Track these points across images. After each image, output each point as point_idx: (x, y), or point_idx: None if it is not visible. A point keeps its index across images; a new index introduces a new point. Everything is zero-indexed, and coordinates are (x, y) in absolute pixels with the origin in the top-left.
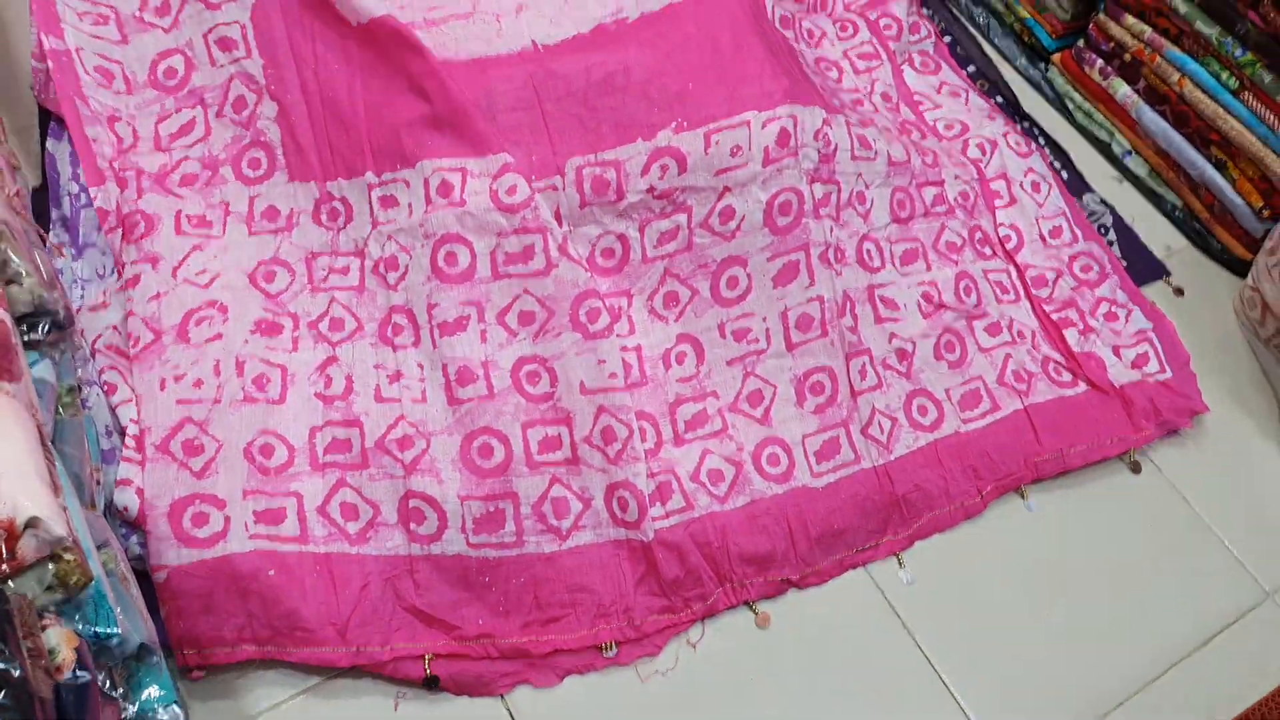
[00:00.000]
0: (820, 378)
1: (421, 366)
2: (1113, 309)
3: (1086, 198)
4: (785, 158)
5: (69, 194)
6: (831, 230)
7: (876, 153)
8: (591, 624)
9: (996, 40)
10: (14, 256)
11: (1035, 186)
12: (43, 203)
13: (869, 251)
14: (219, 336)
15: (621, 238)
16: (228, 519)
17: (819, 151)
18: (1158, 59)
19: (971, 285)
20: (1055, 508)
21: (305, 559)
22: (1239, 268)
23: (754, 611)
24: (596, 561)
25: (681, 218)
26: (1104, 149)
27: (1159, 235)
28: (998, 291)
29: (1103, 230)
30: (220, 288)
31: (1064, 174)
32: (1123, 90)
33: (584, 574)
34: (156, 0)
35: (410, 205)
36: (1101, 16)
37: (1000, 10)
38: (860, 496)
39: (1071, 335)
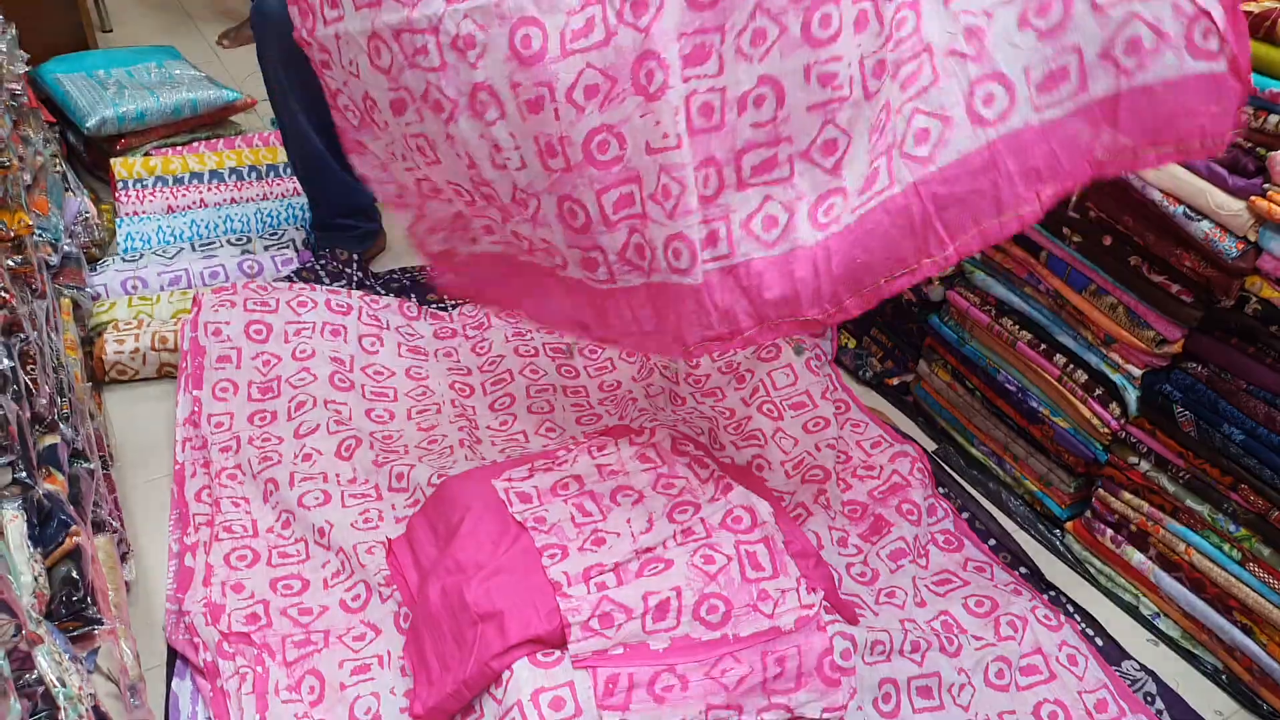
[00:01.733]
0: (882, 116)
1: (514, 136)
2: None
3: (1126, 665)
4: None
5: None
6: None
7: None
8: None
9: (1011, 510)
10: None
11: (1072, 660)
12: None
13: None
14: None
15: None
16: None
17: None
18: (1161, 530)
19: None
20: None
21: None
22: None
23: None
24: (660, 296)
25: None
26: (1132, 611)
27: (1206, 699)
28: None
29: (1148, 699)
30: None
31: (1098, 641)
32: (1137, 557)
33: (655, 305)
34: None
35: None
36: (1101, 491)
37: (1010, 483)
38: (884, 225)
39: None
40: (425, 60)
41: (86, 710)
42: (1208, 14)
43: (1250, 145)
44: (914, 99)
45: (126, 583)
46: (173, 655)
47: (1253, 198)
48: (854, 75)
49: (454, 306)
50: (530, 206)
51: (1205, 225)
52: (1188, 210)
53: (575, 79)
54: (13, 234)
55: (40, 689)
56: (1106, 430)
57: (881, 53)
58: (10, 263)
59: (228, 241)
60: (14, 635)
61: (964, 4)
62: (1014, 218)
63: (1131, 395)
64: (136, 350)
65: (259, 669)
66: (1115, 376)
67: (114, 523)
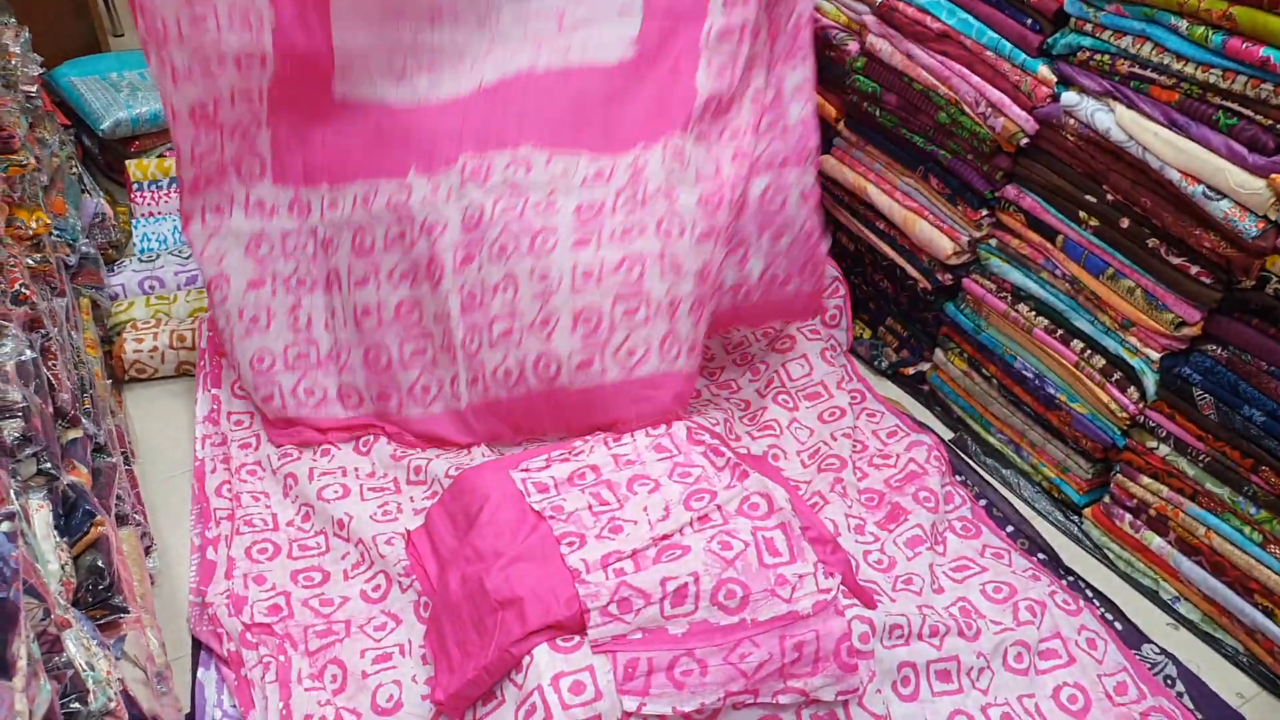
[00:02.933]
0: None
1: (341, 307)
2: None
3: (1145, 648)
4: (598, 184)
5: (213, 719)
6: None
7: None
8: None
9: (1028, 497)
10: None
11: (1091, 643)
12: None
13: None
14: (223, 300)
15: (480, 207)
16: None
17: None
18: (1181, 514)
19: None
20: None
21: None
22: None
23: None
24: (442, 420)
25: (519, 200)
26: (1152, 596)
27: (1227, 681)
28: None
29: (1168, 681)
30: (226, 263)
31: (1118, 625)
32: (1157, 541)
33: (428, 426)
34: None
35: (343, 207)
36: (1120, 476)
37: (1027, 470)
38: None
39: None
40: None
41: (115, 694)
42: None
43: (1270, 123)
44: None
45: (150, 575)
46: (197, 645)
47: (1273, 175)
48: (563, 274)
49: None
50: (341, 358)
51: (1225, 204)
52: (1207, 189)
53: (393, 267)
54: (32, 232)
55: (69, 672)
56: (1125, 415)
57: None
58: (30, 261)
59: None
60: (43, 619)
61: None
62: None
63: (1150, 379)
64: (155, 349)
65: (281, 658)
66: (1133, 360)
67: (137, 517)
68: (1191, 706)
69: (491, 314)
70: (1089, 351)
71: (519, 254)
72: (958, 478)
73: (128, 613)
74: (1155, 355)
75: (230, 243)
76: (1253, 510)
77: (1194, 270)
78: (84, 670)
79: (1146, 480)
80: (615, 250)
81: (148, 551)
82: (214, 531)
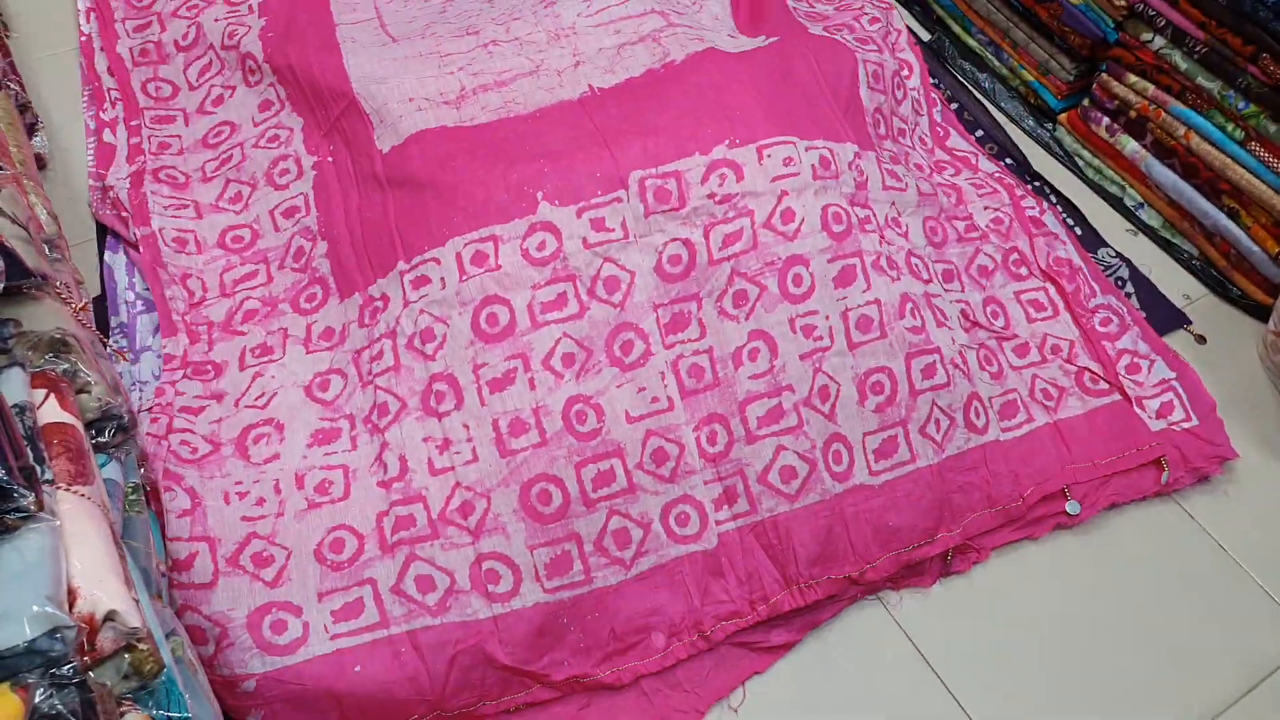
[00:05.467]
0: (880, 378)
1: (467, 427)
2: (1135, 360)
3: (1102, 252)
4: (829, 179)
5: (125, 302)
6: (879, 242)
7: (906, 185)
8: (666, 644)
9: (1003, 103)
10: (83, 368)
11: (1050, 245)
12: (102, 311)
13: (916, 265)
14: (276, 457)
15: (687, 243)
16: (306, 624)
17: (854, 180)
18: (1163, 114)
19: (999, 309)
20: (1084, 559)
21: (390, 642)
22: (1259, 313)
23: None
24: (664, 582)
25: (744, 221)
26: (1116, 203)
27: (1177, 284)
28: (1031, 310)
29: (1120, 283)
30: (277, 406)
31: (1078, 230)
32: (1130, 146)
33: (652, 597)
34: (231, 191)
35: (443, 279)
36: (1104, 76)
37: (1005, 74)
38: (914, 495)
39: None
40: (378, 365)
41: None
42: (1088, 370)
43: None
44: (928, 391)
45: (41, 155)
46: (103, 232)
47: None
48: (833, 327)
49: None
50: (476, 511)
51: None
52: None
53: (553, 346)
54: None
55: None
56: (1123, 3)
57: (867, 309)
58: None
59: None
60: None
61: (950, 332)
62: (1003, 510)
63: None
64: None
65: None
66: None
67: (12, 85)
68: (1138, 306)
69: (742, 392)
70: None
71: (768, 299)
72: (932, 80)
73: (2, 170)
74: None
75: (283, 381)
76: (1241, 105)
77: None
78: None
79: (1133, 79)
80: (890, 287)
81: (32, 130)
82: (109, 114)
